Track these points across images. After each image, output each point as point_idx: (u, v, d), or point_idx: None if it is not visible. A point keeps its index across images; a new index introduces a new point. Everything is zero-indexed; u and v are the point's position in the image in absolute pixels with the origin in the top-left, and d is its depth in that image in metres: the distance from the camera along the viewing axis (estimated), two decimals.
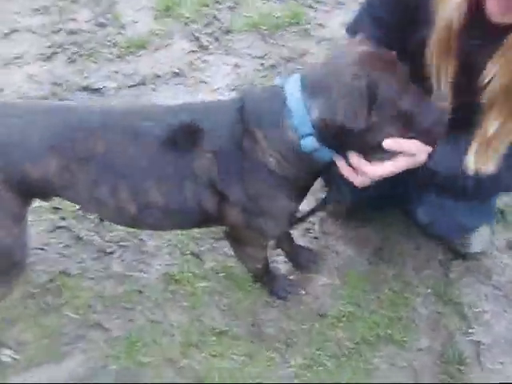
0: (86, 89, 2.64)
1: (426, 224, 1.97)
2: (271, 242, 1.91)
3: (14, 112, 1.48)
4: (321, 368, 1.84)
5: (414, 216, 1.98)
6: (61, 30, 2.88)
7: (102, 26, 2.88)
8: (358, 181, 1.39)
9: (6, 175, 1.43)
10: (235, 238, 1.70)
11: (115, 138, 1.46)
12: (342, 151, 1.37)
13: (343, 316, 1.94)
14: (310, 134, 1.33)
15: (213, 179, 1.45)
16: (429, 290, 2.01)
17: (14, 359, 1.85)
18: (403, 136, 1.32)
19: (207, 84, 2.67)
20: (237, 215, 1.52)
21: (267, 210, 1.51)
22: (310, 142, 1.34)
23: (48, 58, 2.76)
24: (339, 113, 1.23)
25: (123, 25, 2.89)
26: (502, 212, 2.16)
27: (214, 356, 1.86)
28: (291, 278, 2.02)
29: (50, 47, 2.81)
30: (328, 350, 1.87)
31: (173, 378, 1.82)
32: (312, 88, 1.31)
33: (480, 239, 2.07)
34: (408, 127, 1.32)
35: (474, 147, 1.42)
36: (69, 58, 2.79)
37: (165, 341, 1.90)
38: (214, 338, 1.90)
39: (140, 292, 2.01)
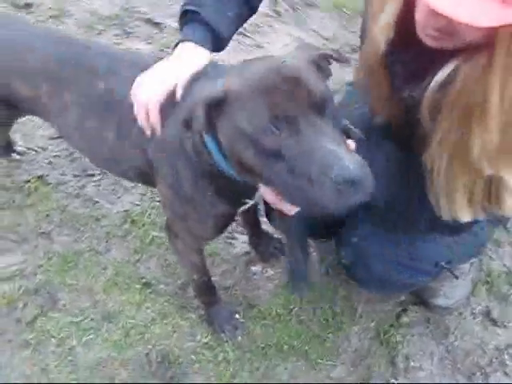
0: (147, 21, 2.70)
1: (348, 265, 1.66)
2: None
3: (29, 35, 1.57)
4: (221, 353, 1.78)
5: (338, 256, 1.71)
6: None
7: None
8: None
9: None
10: (170, 226, 1.59)
11: (95, 78, 1.47)
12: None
13: (270, 314, 1.85)
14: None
15: (148, 144, 1.40)
16: (371, 325, 1.86)
17: None
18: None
19: (262, 49, 2.61)
20: (166, 190, 1.46)
21: (192, 198, 1.40)
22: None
23: None
24: None
25: None
26: (488, 275, 1.92)
27: (130, 303, 1.87)
28: (237, 316, 1.85)
29: None
30: (238, 341, 1.80)
31: (84, 308, 1.86)
32: None
33: (454, 295, 1.87)
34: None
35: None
36: None
37: (95, 272, 1.93)
38: (138, 287, 1.90)
39: (97, 220, 2.05)
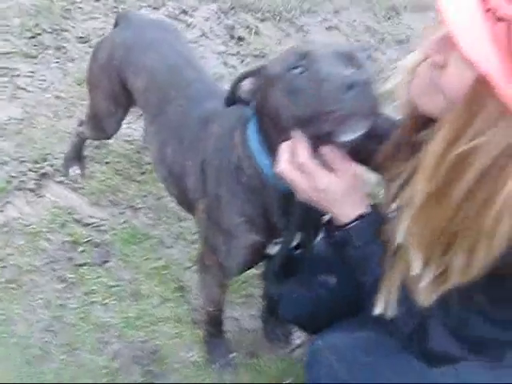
0: None
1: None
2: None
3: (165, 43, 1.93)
4: (202, 377, 1.92)
5: None
6: None
7: None
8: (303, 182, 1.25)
9: (120, 71, 1.91)
10: (201, 259, 1.74)
11: (181, 98, 1.74)
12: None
13: (265, 372, 1.95)
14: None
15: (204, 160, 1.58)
16: None
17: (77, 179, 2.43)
18: None
19: None
20: (202, 215, 1.61)
21: (224, 223, 1.52)
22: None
23: None
24: None
25: None
26: None
27: (159, 295, 2.12)
28: (234, 355, 1.99)
29: None
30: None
31: (123, 278, 2.14)
32: None
33: None
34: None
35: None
36: None
37: (150, 256, 2.23)
38: (175, 286, 2.15)
39: (179, 219, 2.35)
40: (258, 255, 1.58)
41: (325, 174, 1.23)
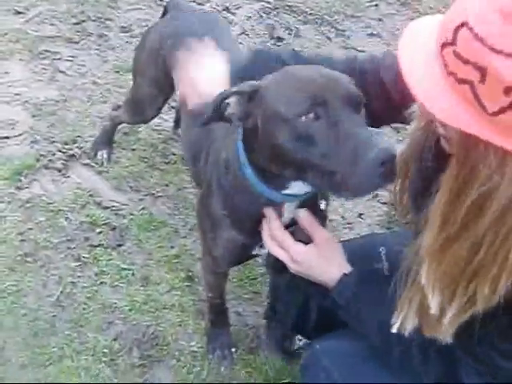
0: None
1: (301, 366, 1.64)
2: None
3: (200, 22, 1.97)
4: (198, 368, 1.96)
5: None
6: None
7: None
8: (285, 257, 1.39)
9: (167, 60, 1.93)
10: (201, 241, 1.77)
11: None
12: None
13: (261, 371, 1.97)
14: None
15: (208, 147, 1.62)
16: None
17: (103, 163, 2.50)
18: None
19: None
20: (197, 199, 1.69)
21: (210, 214, 1.56)
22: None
23: None
24: None
25: None
26: None
27: (168, 282, 2.16)
28: (234, 350, 2.01)
29: None
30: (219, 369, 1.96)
31: (135, 263, 2.20)
32: None
33: None
34: None
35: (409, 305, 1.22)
36: None
37: (164, 244, 2.27)
38: (183, 275, 2.18)
39: None
40: (241, 253, 1.59)
41: (298, 246, 1.36)
